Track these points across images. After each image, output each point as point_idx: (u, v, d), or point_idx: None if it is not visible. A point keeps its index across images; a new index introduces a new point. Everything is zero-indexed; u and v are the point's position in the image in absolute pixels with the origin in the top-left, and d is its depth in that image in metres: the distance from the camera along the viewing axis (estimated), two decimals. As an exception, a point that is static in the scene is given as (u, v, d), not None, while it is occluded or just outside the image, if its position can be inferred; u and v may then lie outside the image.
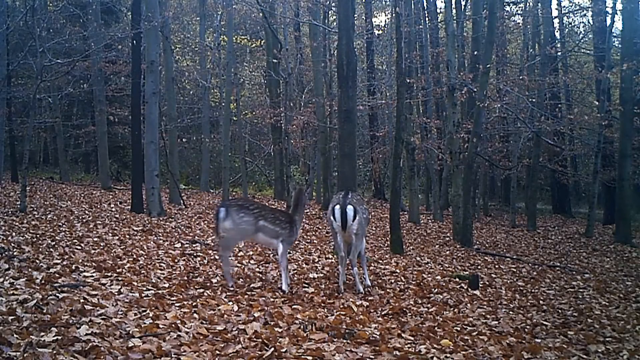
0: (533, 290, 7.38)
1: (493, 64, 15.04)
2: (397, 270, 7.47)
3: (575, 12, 22.48)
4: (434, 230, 13.52)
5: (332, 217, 5.87)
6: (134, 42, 12.03)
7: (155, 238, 8.18)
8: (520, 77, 14.31)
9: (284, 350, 3.47)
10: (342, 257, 5.94)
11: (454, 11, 15.65)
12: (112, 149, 19.93)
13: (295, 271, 6.50)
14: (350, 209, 5.77)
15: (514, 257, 10.64)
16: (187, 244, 7.93)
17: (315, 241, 9.70)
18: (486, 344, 4.35)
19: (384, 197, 21.32)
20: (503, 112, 14.89)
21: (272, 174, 22.77)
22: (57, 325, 3.37)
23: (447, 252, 10.15)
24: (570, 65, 21.72)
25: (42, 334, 3.22)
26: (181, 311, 4.21)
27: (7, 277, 4.50)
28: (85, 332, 3.31)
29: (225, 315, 4.25)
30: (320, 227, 11.98)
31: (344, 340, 3.92)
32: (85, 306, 3.85)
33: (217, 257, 5.91)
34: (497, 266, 9.32)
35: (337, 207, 5.81)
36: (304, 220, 9.54)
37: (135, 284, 5.00)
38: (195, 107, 23.06)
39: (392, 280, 6.78)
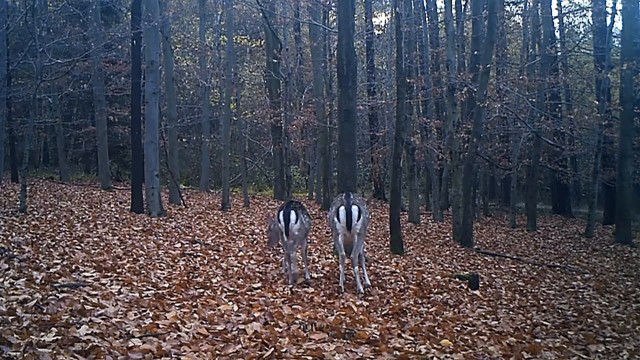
0: (533, 290, 7.39)
1: (493, 64, 15.05)
2: (397, 270, 7.47)
3: (575, 12, 22.48)
4: (434, 230, 13.52)
5: (335, 219, 5.93)
6: (134, 42, 12.02)
7: (155, 238, 8.18)
8: (520, 77, 14.31)
9: (284, 350, 3.47)
10: (343, 256, 5.98)
11: (454, 11, 15.66)
12: (112, 149, 19.91)
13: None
14: (355, 209, 5.88)
15: (514, 257, 10.64)
16: (187, 244, 7.93)
17: (315, 241, 9.70)
18: (486, 344, 4.35)
19: (384, 197, 21.32)
20: (503, 112, 14.89)
21: (272, 174, 22.77)
22: (57, 325, 3.37)
23: (447, 252, 10.15)
24: (570, 65, 21.73)
25: (42, 334, 3.22)
26: (181, 311, 4.21)
27: (7, 277, 4.50)
28: (85, 332, 3.31)
29: (225, 315, 4.26)
30: (320, 227, 11.98)
31: (344, 340, 3.92)
32: (85, 306, 3.85)
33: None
34: (497, 266, 9.32)
35: (342, 208, 5.89)
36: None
37: (135, 284, 5.00)
38: (195, 107, 23.05)
39: (392, 280, 6.78)
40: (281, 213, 5.93)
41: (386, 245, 9.90)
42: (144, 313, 4.00)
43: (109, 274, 5.27)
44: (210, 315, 4.16)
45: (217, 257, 7.18)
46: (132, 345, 3.26)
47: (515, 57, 21.28)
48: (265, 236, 7.02)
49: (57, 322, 3.43)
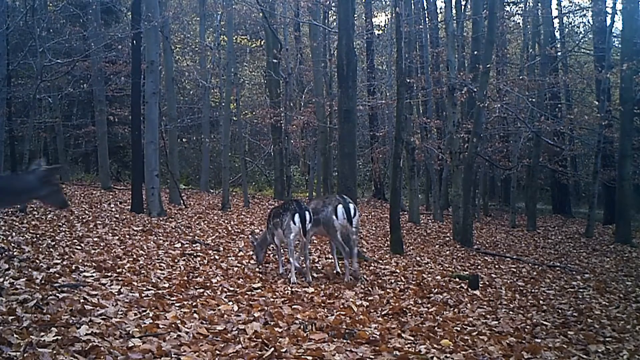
0: (533, 290, 7.39)
1: (493, 64, 15.04)
2: (397, 270, 7.47)
3: (575, 12, 22.49)
4: (434, 230, 13.52)
5: (334, 217, 6.28)
6: (134, 42, 12.02)
7: (155, 238, 8.18)
8: (520, 77, 14.32)
9: (284, 350, 3.47)
10: (343, 245, 6.40)
11: (454, 11, 15.65)
12: (112, 149, 19.90)
13: (295, 271, 6.50)
14: (352, 206, 6.34)
15: (514, 257, 10.64)
16: (187, 244, 7.92)
17: (315, 241, 9.69)
18: (486, 344, 4.35)
19: (384, 197, 21.33)
20: (503, 112, 14.88)
21: (272, 174, 22.76)
22: (57, 325, 3.37)
23: (447, 252, 10.15)
24: (570, 65, 21.73)
25: (42, 334, 3.22)
26: (181, 311, 4.21)
27: (7, 277, 4.50)
28: (85, 332, 3.31)
29: (225, 315, 4.26)
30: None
31: (344, 340, 3.92)
32: (85, 306, 3.85)
33: (292, 260, 6.20)
34: (497, 266, 9.32)
35: (340, 206, 6.28)
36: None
37: (135, 284, 5.00)
38: (195, 107, 23.04)
39: (392, 280, 6.79)
40: (296, 215, 6.07)
41: (386, 245, 9.90)
42: (144, 313, 4.00)
43: (109, 274, 5.27)
44: (210, 315, 4.16)
45: (217, 257, 7.18)
46: (132, 345, 3.27)
47: (515, 57, 21.27)
48: (252, 256, 7.09)
49: (57, 322, 3.44)
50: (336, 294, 5.62)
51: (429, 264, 8.57)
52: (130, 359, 3.06)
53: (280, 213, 6.32)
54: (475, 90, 11.69)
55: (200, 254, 7.18)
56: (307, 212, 6.14)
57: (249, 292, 5.25)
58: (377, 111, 19.78)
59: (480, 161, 15.87)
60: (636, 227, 15.89)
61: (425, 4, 18.71)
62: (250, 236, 7.45)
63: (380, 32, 21.90)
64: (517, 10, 21.63)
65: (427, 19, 18.22)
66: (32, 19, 10.68)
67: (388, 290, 6.19)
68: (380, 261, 8.16)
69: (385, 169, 21.31)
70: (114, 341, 3.29)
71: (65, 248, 6.41)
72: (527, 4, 19.71)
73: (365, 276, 6.79)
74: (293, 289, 5.63)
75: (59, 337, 3.15)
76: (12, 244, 6.20)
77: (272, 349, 3.44)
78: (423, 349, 3.94)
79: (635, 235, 14.73)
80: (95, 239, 7.35)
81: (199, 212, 12.94)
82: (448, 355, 3.88)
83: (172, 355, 3.20)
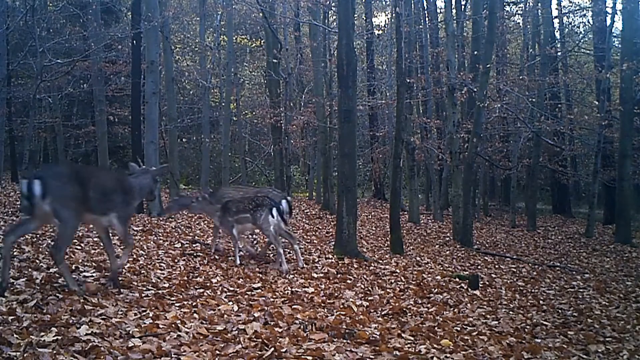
0: (533, 290, 7.39)
1: (493, 64, 15.05)
2: (397, 270, 7.47)
3: (575, 12, 22.49)
4: (434, 230, 13.52)
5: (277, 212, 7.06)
6: (134, 42, 12.02)
7: (155, 238, 8.17)
8: (520, 77, 14.33)
9: (284, 350, 3.47)
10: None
11: (454, 11, 15.66)
12: (112, 149, 19.87)
13: (295, 271, 6.51)
14: (290, 199, 7.46)
15: (514, 257, 10.64)
16: (187, 244, 7.92)
17: (315, 241, 9.69)
18: (486, 344, 4.35)
19: (384, 197, 21.33)
20: (503, 112, 14.90)
21: (272, 174, 22.75)
22: (57, 325, 3.37)
23: (447, 252, 10.15)
24: (570, 65, 21.73)
25: (42, 334, 3.22)
26: (181, 311, 4.21)
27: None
28: (85, 332, 3.31)
29: (225, 315, 4.26)
30: (320, 227, 11.98)
31: (344, 340, 3.92)
32: (85, 306, 3.85)
33: (280, 250, 6.66)
34: (497, 266, 9.32)
35: (284, 201, 7.23)
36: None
37: (135, 284, 5.00)
38: (195, 107, 23.01)
39: (392, 280, 6.79)
40: (274, 210, 6.59)
41: (386, 245, 9.90)
42: (144, 313, 4.00)
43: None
44: (210, 315, 4.16)
45: (217, 257, 7.18)
46: (132, 345, 3.27)
47: (515, 57, 21.28)
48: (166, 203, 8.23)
49: (57, 322, 3.43)
50: (336, 294, 5.62)
51: (429, 264, 8.57)
52: (130, 359, 3.06)
53: (249, 209, 6.70)
54: (475, 90, 11.70)
55: (200, 254, 7.18)
56: (281, 206, 6.75)
57: (249, 292, 5.25)
58: (377, 111, 19.78)
59: (480, 161, 15.89)
60: (636, 227, 15.88)
61: (425, 4, 18.72)
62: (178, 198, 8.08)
63: (380, 32, 21.86)
64: (517, 10, 21.65)
65: (427, 19, 18.22)
66: (32, 19, 10.68)
67: (388, 290, 6.19)
68: (380, 261, 8.16)
69: (385, 169, 21.30)
70: (114, 341, 3.29)
71: (65, 248, 6.40)
72: (527, 4, 19.73)
73: (365, 276, 6.79)
74: (293, 289, 5.63)
75: (59, 337, 3.15)
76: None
77: (272, 349, 3.45)
78: (423, 349, 3.94)
79: (635, 235, 14.73)
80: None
81: (199, 212, 12.92)
82: (448, 355, 3.88)
83: (172, 355, 3.20)
